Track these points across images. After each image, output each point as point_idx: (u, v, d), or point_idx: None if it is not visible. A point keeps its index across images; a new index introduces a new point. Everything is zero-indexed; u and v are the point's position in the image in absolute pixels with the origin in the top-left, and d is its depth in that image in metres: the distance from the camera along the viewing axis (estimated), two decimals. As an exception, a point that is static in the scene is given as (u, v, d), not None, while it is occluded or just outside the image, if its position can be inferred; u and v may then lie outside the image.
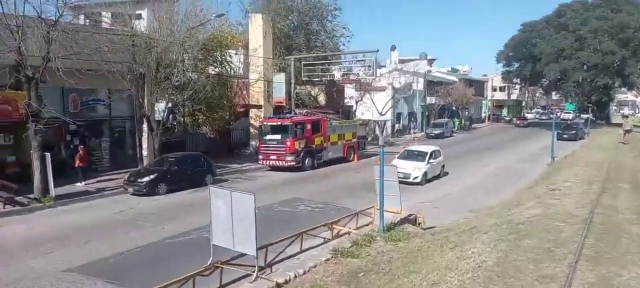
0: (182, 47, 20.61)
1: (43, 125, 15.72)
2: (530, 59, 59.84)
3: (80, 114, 20.86)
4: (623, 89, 69.31)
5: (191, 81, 21.86)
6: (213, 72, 24.79)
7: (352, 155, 28.68)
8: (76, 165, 19.02)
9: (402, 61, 72.64)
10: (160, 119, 22.16)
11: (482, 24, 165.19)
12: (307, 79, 30.71)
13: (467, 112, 65.58)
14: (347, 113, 38.27)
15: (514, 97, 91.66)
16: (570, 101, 75.04)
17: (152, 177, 18.07)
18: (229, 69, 27.71)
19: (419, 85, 54.10)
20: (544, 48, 55.08)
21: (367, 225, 13.12)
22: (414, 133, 44.74)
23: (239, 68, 30.12)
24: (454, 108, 58.98)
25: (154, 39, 19.82)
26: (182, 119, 23.45)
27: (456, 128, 54.82)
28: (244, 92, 31.73)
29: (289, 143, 23.88)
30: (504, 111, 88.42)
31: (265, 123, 25.41)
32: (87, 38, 17.68)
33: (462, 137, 47.70)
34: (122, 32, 19.06)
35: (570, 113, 71.40)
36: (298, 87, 34.71)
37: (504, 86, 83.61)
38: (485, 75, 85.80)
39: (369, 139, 42.25)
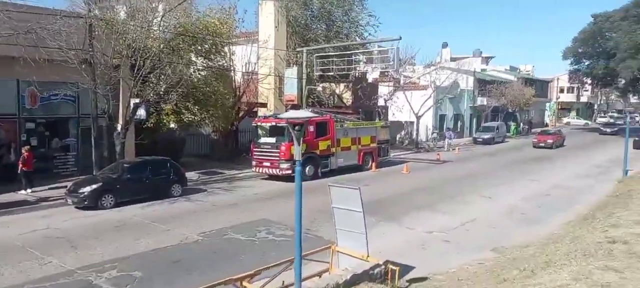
0: (148, 31, 17.28)
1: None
2: (603, 55, 51.84)
3: (40, 110, 18.20)
4: None
5: (166, 74, 18.50)
6: (201, 64, 21.33)
7: (369, 163, 24.26)
8: (19, 170, 16.24)
9: (454, 59, 66.67)
10: (136, 118, 19.10)
11: (547, 21, 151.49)
12: (321, 74, 26.56)
13: (526, 115, 58.44)
14: (378, 115, 33.76)
15: (584, 99, 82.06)
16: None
17: (94, 187, 14.82)
18: (226, 61, 24.22)
19: (469, 84, 48.27)
20: (620, 42, 47.06)
21: (320, 275, 8.92)
22: (449, 142, 36.88)
23: (248, 62, 26.58)
24: (509, 110, 52.40)
25: (117, 22, 16.61)
26: (163, 118, 20.25)
27: (511, 133, 48.40)
28: (253, 89, 28.26)
29: (283, 147, 19.96)
30: (572, 114, 79.30)
31: (259, 123, 21.65)
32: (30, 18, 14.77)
33: (517, 143, 41.45)
34: (68, 12, 15.98)
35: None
36: (320, 84, 30.78)
37: (573, 87, 74.77)
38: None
39: (405, 143, 37.70)
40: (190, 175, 21.35)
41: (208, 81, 22.20)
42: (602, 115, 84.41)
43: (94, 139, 16.88)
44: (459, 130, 46.67)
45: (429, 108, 37.36)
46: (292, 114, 7.81)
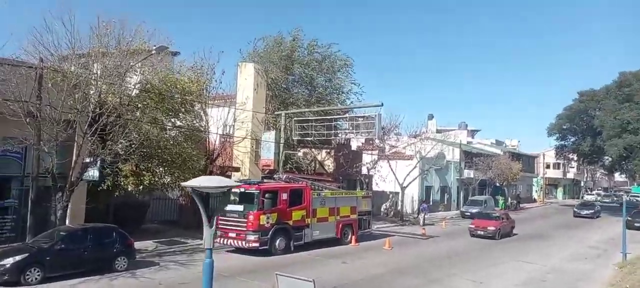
0: (109, 86, 15.80)
1: None
2: (589, 133, 51.70)
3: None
4: None
5: (126, 132, 16.78)
6: (168, 123, 19.72)
7: (349, 237, 22.23)
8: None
9: (439, 131, 66.53)
10: (87, 179, 17.18)
11: (532, 97, 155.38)
12: (299, 138, 25.12)
13: (514, 190, 57.25)
14: (361, 184, 32.14)
15: (570, 175, 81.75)
16: (637, 183, 64.86)
17: (18, 258, 12.58)
18: (198, 122, 22.72)
19: (455, 156, 47.32)
20: (605, 120, 47.03)
21: None
22: (423, 217, 31.46)
23: (225, 124, 25.17)
24: (497, 184, 51.21)
25: (70, 74, 15.11)
26: (121, 180, 18.27)
27: (500, 207, 46.83)
28: (230, 152, 26.65)
29: (252, 217, 17.97)
30: (559, 192, 78.54)
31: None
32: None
33: (505, 219, 39.68)
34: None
35: (638, 196, 61.03)
36: (300, 149, 29.32)
37: (559, 163, 74.53)
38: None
39: (390, 215, 35.77)
40: (147, 244, 19.23)
41: (176, 141, 20.56)
42: (588, 192, 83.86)
43: (31, 201, 14.85)
44: (445, 202, 45.08)
45: (415, 178, 35.89)
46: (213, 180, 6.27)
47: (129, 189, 19.00)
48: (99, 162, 16.93)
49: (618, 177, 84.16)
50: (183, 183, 6.98)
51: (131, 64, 16.82)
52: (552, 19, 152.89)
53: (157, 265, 16.05)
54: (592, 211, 42.23)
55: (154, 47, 16.23)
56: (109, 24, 16.51)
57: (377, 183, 33.95)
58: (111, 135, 16.69)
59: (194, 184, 5.91)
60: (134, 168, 18.98)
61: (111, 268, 14.39)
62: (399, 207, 35.58)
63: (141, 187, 19.09)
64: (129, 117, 17.17)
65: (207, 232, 5.43)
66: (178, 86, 19.13)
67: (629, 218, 35.43)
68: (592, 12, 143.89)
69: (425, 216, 31.62)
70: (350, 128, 24.04)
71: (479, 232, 25.95)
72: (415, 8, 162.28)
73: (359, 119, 23.46)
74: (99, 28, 16.41)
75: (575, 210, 43.12)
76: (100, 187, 18.50)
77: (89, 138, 15.51)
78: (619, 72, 50.43)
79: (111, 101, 16.15)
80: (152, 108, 18.27)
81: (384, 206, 36.61)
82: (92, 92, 16.41)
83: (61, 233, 13.91)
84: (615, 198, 72.26)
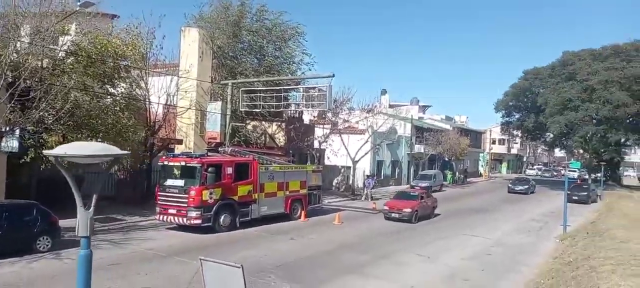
0: (30, 47, 14.00)
1: None
2: (533, 110, 53.50)
3: None
4: (637, 147, 62.42)
5: (50, 98, 15.02)
6: (100, 90, 17.92)
7: (298, 212, 21.59)
8: None
9: (392, 106, 66.82)
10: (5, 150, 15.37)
11: (481, 74, 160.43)
12: (247, 110, 23.96)
13: (462, 165, 58.73)
14: (312, 158, 31.48)
15: (514, 151, 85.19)
16: (575, 159, 68.43)
17: None
18: (135, 90, 21.05)
19: (407, 131, 47.61)
20: (549, 97, 48.71)
21: None
22: (367, 191, 31.71)
23: (167, 93, 23.54)
24: (446, 159, 52.25)
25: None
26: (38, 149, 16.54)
27: (448, 181, 47.93)
28: (174, 124, 25.10)
29: (193, 192, 16.85)
30: (503, 166, 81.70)
31: (165, 162, 18.48)
32: None
33: (454, 193, 40.60)
34: None
35: (575, 171, 64.40)
36: (250, 122, 28.12)
37: (504, 139, 77.31)
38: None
39: (341, 189, 35.48)
40: (79, 222, 17.64)
41: (111, 111, 18.85)
42: (530, 167, 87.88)
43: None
44: (396, 177, 45.45)
45: (366, 153, 35.67)
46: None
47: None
48: (18, 131, 15.14)
49: (558, 152, 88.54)
50: (45, 152, 5.65)
51: (54, 23, 14.94)
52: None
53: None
54: (526, 187, 41.57)
55: (79, 3, 14.45)
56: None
57: (329, 158, 33.45)
58: (32, 101, 14.95)
59: (58, 152, 4.70)
60: (61, 140, 17.18)
61: (32, 249, 12.99)
62: (351, 182, 35.36)
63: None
64: (52, 82, 15.37)
65: (82, 215, 4.39)
66: (110, 49, 17.33)
67: (568, 192, 37.09)
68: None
69: (371, 191, 31.48)
70: (302, 100, 23.08)
71: (392, 215, 22.09)
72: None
73: (310, 90, 22.57)
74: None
75: (510, 186, 42.53)
76: (23, 160, 16.69)
77: (5, 104, 13.74)
78: (563, 52, 52.29)
79: (30, 63, 14.32)
80: (80, 73, 16.48)
81: (335, 180, 36.29)
82: (9, 52, 14.52)
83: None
84: (555, 174, 76.13)
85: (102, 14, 20.72)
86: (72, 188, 4.81)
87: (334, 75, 20.18)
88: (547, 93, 49.38)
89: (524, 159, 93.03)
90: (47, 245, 13.28)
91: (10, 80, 14.51)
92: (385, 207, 22.89)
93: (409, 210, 22.04)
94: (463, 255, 16.07)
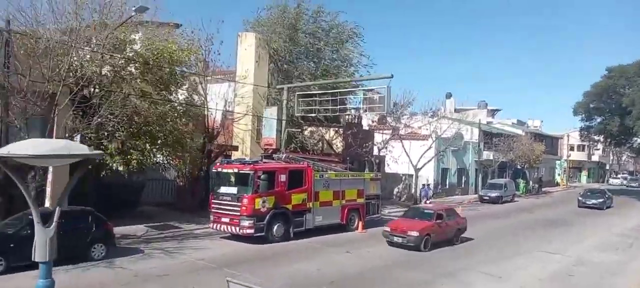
0: (93, 54, 14.26)
1: None
2: (618, 112, 48.61)
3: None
4: None
5: (112, 106, 15.23)
6: (158, 97, 18.05)
7: (355, 222, 20.54)
8: None
9: (457, 111, 63.88)
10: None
11: (556, 74, 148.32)
12: (302, 114, 23.34)
13: (536, 173, 54.70)
14: (372, 165, 30.26)
15: (595, 158, 78.39)
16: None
17: (-26, 246, 11.28)
18: (191, 97, 21.14)
19: (474, 136, 44.97)
20: (636, 98, 43.95)
21: None
22: (425, 202, 29.10)
23: (224, 99, 23.60)
24: (518, 167, 48.82)
25: (43, 39, 13.56)
26: (106, 159, 16.85)
27: (521, 191, 44.56)
28: (231, 130, 25.13)
29: (246, 200, 16.37)
30: (583, 175, 75.38)
31: (219, 169, 18.19)
32: None
33: (527, 203, 37.63)
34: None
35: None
36: (307, 127, 27.57)
37: (583, 145, 71.32)
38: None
39: (403, 199, 33.86)
40: (138, 229, 17.88)
41: (169, 117, 18.97)
42: (614, 176, 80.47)
43: (-1, 182, 13.47)
44: (463, 186, 42.99)
45: (430, 160, 33.86)
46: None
47: (116, 169, 17.56)
48: (78, 137, 15.46)
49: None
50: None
51: (112, 30, 15.16)
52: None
53: (141, 252, 14.63)
54: (601, 200, 34.45)
55: (133, 9, 14.51)
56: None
57: (389, 165, 32.09)
58: (92, 108, 15.24)
59: (3, 152, 3.99)
60: (121, 146, 17.50)
61: (87, 257, 13.02)
62: (413, 191, 33.70)
63: (129, 166, 17.62)
64: (112, 88, 15.59)
65: (40, 234, 3.67)
66: (165, 54, 17.39)
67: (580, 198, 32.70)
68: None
69: (428, 202, 29.48)
70: (360, 103, 22.05)
71: (395, 240, 16.89)
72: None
73: (368, 92, 21.51)
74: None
75: (580, 199, 35.32)
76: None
77: (69, 111, 14.06)
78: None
79: (89, 69, 14.57)
80: (136, 79, 16.67)
81: (396, 189, 34.74)
82: (71, 59, 14.86)
83: (29, 217, 12.49)
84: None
85: (166, 24, 21.05)
86: (26, 196, 4.12)
87: (392, 76, 19.00)
88: (634, 93, 44.52)
89: (607, 167, 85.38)
90: (101, 253, 13.29)
91: (71, 87, 14.86)
92: (386, 229, 17.48)
93: (415, 234, 16.40)
94: (541, 275, 14.25)
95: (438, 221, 17.50)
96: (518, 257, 16.60)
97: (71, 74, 14.61)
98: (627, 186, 65.11)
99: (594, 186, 53.84)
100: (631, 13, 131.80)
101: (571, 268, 15.44)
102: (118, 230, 16.50)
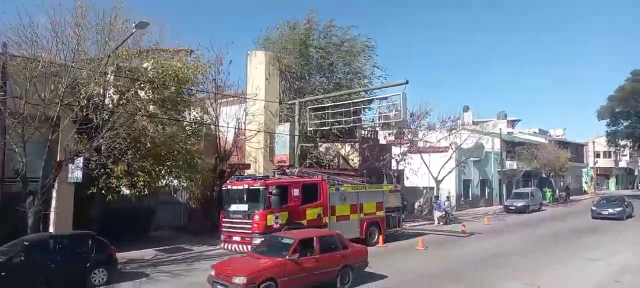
0: (97, 77, 13.74)
1: None
2: (645, 115, 46.82)
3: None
4: None
5: (117, 128, 14.59)
6: (164, 116, 17.42)
7: (375, 236, 19.38)
8: None
9: (476, 123, 62.47)
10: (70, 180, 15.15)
11: (576, 80, 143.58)
12: (315, 129, 22.51)
13: (562, 182, 52.61)
14: (390, 178, 29.06)
15: (623, 164, 75.47)
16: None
17: (-36, 275, 10.53)
18: (200, 116, 20.51)
19: (495, 146, 43.46)
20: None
21: None
22: (442, 214, 27.79)
23: (236, 118, 22.97)
24: (543, 175, 46.96)
25: (40, 61, 13.06)
26: (112, 181, 16.16)
27: (547, 200, 42.61)
28: (243, 149, 24.41)
29: (257, 217, 15.45)
30: (611, 182, 72.51)
31: (229, 187, 17.34)
32: None
33: (556, 212, 35.84)
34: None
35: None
36: (322, 144, 26.73)
37: (610, 151, 68.77)
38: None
39: (424, 212, 32.42)
40: (146, 252, 17.07)
41: (178, 138, 18.28)
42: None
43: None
44: (486, 197, 41.33)
45: (451, 171, 32.51)
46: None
47: (122, 192, 16.87)
48: (81, 161, 14.85)
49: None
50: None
51: (113, 50, 14.66)
52: None
53: (146, 276, 13.75)
54: (619, 209, 29.23)
55: (134, 25, 13.96)
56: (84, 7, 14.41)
57: (408, 178, 30.84)
58: (96, 130, 14.64)
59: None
60: (127, 168, 16.83)
61: (86, 284, 12.15)
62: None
63: (136, 188, 16.91)
64: (115, 109, 15.03)
65: None
66: (170, 72, 16.80)
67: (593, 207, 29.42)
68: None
69: (443, 214, 27.91)
70: (376, 113, 21.15)
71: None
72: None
73: (382, 100, 20.58)
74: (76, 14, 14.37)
75: (594, 208, 30.35)
76: (90, 191, 16.48)
77: (71, 133, 13.48)
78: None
79: (91, 88, 14.02)
80: (141, 100, 16.09)
81: (417, 203, 33.43)
82: (72, 81, 14.34)
83: (24, 243, 11.76)
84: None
85: (179, 50, 20.55)
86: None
87: (407, 82, 18.08)
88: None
89: (635, 173, 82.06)
90: (102, 279, 12.42)
91: (73, 108, 14.32)
92: (211, 272, 11.72)
93: (241, 281, 10.30)
94: (585, 284, 12.89)
95: (294, 256, 11.10)
96: (559, 265, 15.21)
97: (72, 95, 14.10)
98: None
99: (612, 192, 50.65)
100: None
101: (617, 273, 14.01)
102: (126, 254, 15.79)
